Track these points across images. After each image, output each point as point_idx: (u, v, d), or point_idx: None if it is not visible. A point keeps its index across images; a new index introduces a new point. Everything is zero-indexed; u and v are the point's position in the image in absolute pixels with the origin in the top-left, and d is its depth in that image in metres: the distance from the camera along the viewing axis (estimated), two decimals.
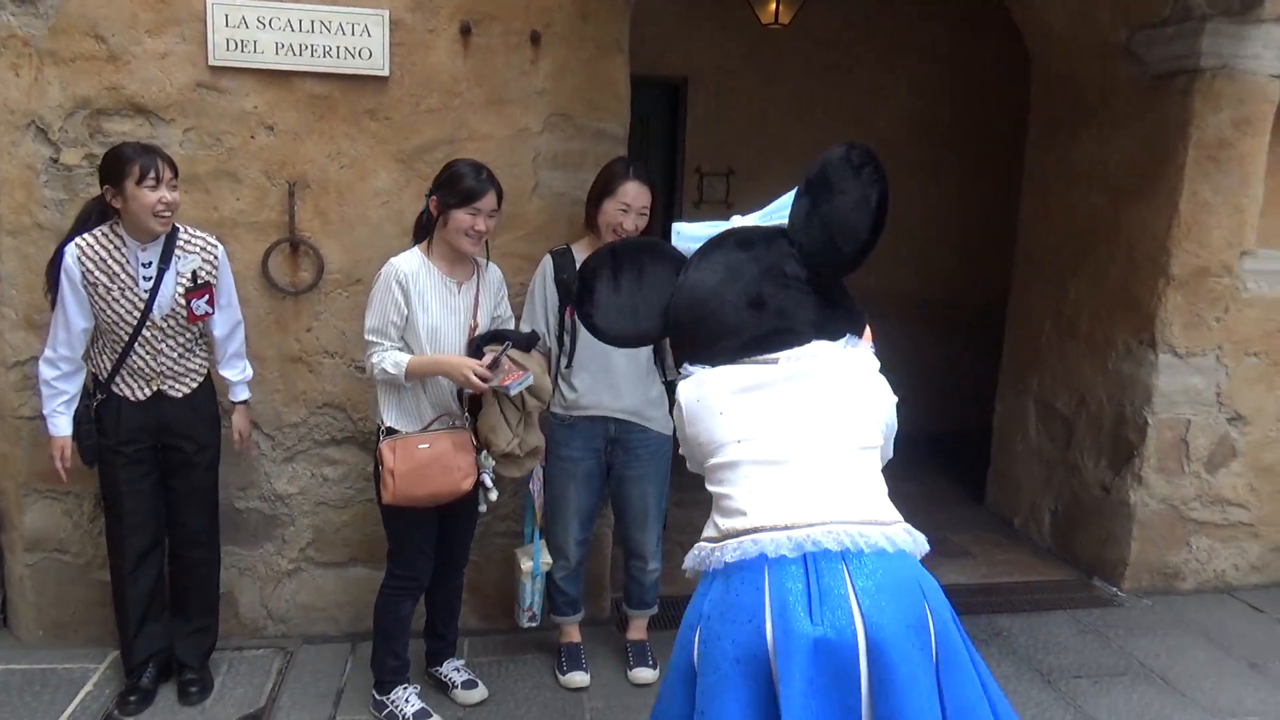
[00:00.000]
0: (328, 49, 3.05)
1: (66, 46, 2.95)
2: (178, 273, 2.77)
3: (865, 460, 1.79)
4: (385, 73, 3.09)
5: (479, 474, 2.80)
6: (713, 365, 1.86)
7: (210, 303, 2.83)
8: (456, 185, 2.69)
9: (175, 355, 2.84)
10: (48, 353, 2.77)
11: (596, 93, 3.27)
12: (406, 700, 2.89)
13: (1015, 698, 3.10)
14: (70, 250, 2.70)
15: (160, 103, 3.01)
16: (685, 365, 1.93)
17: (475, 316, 2.81)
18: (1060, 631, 3.60)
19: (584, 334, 2.85)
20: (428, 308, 2.73)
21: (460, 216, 2.67)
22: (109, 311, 2.73)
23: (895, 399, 1.88)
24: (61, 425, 2.80)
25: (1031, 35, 4.47)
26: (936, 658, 1.61)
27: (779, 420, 1.77)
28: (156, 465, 2.92)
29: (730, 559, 1.67)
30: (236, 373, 2.97)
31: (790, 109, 5.91)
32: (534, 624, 3.14)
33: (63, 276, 2.70)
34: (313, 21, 3.03)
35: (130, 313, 2.74)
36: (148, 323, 2.76)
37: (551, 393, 2.94)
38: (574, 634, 3.27)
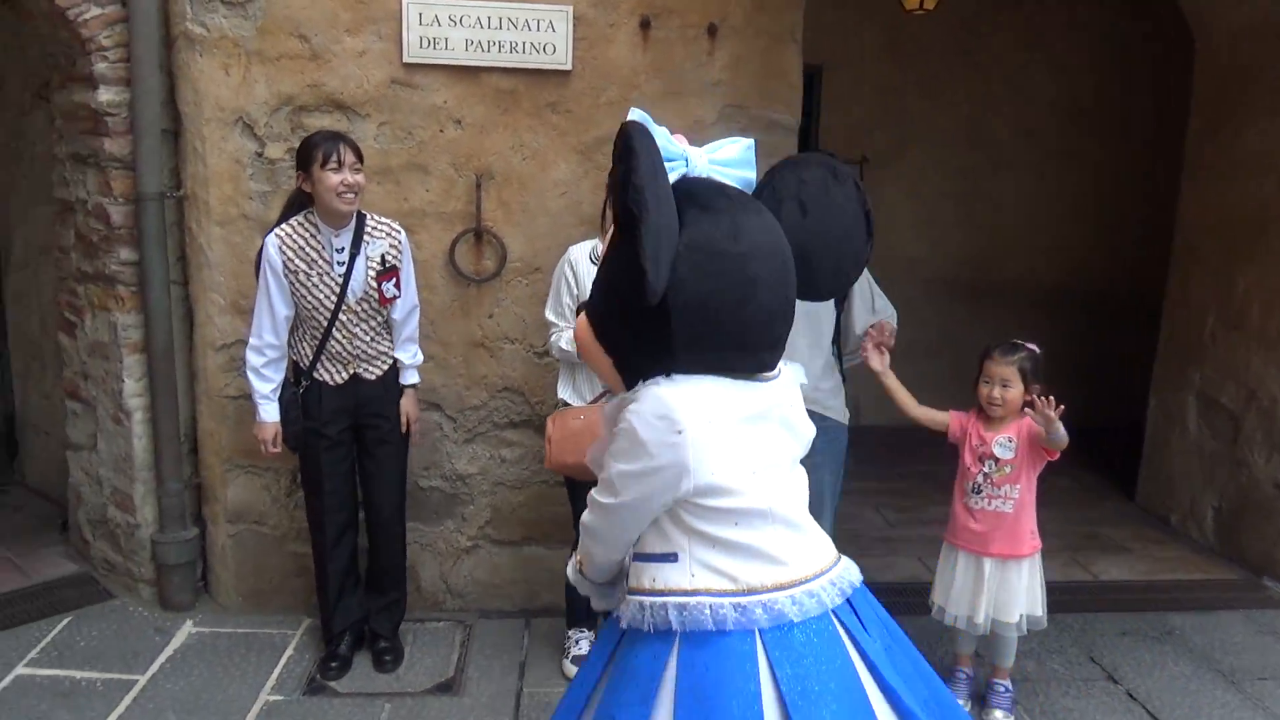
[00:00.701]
0: (514, 44, 3.14)
1: (272, 46, 3.11)
2: (367, 257, 2.89)
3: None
4: (568, 66, 3.17)
5: None
6: (703, 366, 1.43)
7: (397, 285, 2.94)
8: None
9: (368, 339, 2.96)
10: (254, 340, 2.89)
11: (770, 83, 3.30)
12: (576, 642, 3.13)
13: (1199, 697, 3.04)
14: (271, 240, 2.85)
15: (357, 99, 3.16)
16: (660, 375, 1.42)
17: None
18: (1236, 632, 3.50)
19: None
20: None
21: None
22: (309, 298, 2.86)
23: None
24: (270, 412, 2.94)
25: (1197, 21, 4.31)
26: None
27: (782, 453, 1.54)
28: (353, 447, 3.08)
29: (796, 617, 1.44)
30: (409, 356, 3.05)
31: (926, 94, 5.83)
32: None
33: (265, 265, 2.84)
34: (500, 18, 3.12)
35: (328, 297, 2.87)
36: (343, 307, 2.89)
37: None
38: None
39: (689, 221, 1.41)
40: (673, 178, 1.44)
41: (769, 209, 1.54)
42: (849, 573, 1.56)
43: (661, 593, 1.47)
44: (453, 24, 3.12)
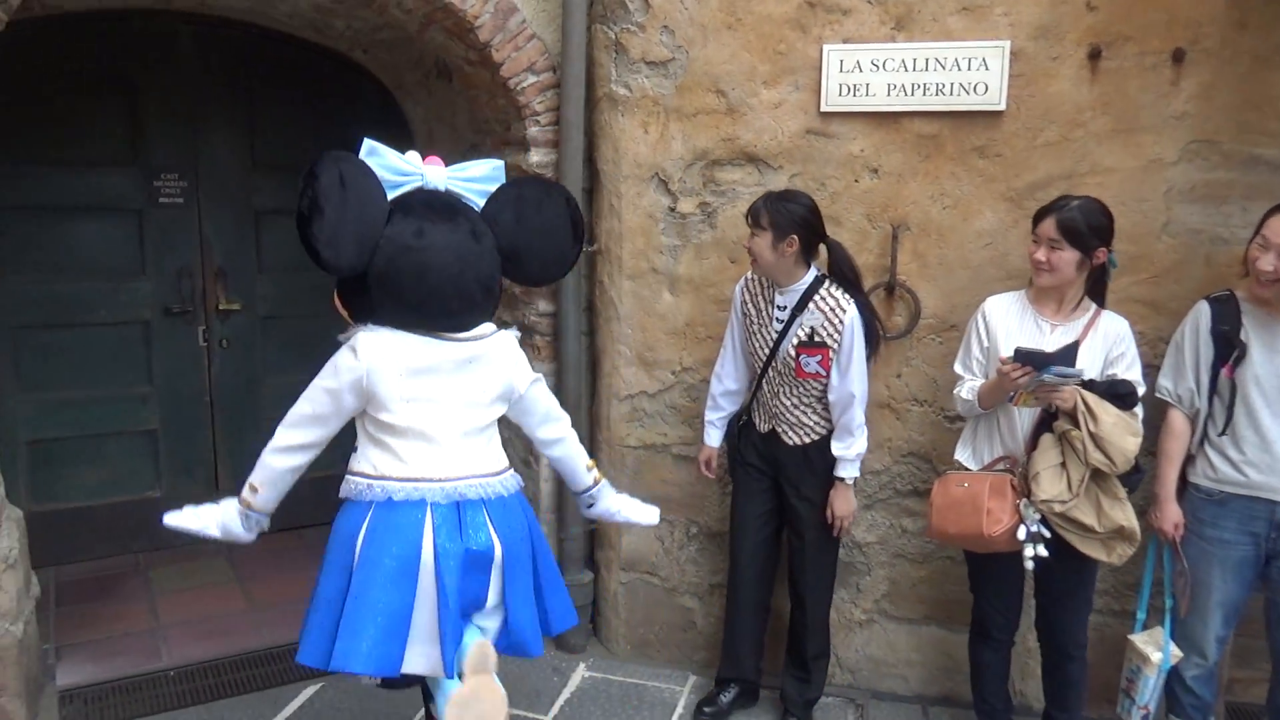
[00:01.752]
0: (940, 86, 2.93)
1: (690, 102, 3.14)
2: (799, 325, 2.81)
3: (494, 425, 2.31)
4: (1000, 106, 2.89)
5: (1020, 523, 2.50)
6: (400, 325, 2.12)
7: (823, 364, 2.79)
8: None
9: (790, 403, 2.89)
10: (717, 369, 3.05)
11: (1250, 113, 2.79)
12: None
13: None
14: (740, 282, 2.98)
15: (771, 151, 3.09)
16: (369, 323, 2.14)
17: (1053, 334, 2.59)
18: None
19: (1245, 399, 2.46)
20: (1009, 342, 2.57)
21: (1030, 247, 2.57)
22: (750, 343, 2.94)
23: (537, 376, 2.36)
24: (713, 437, 3.08)
25: None
26: (534, 551, 2.29)
27: (449, 392, 2.18)
28: (774, 499, 3.01)
29: (397, 498, 2.12)
30: (841, 446, 2.85)
31: None
32: None
33: (733, 300, 2.98)
34: (927, 59, 2.92)
35: (762, 349, 2.90)
36: (772, 363, 2.88)
37: (1133, 454, 2.46)
38: None
39: (393, 221, 2.11)
40: (407, 189, 2.16)
41: (491, 215, 2.25)
42: (478, 489, 2.18)
43: (349, 472, 2.21)
44: (875, 69, 2.96)
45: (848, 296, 2.78)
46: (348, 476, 2.20)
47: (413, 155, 2.20)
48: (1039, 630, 2.76)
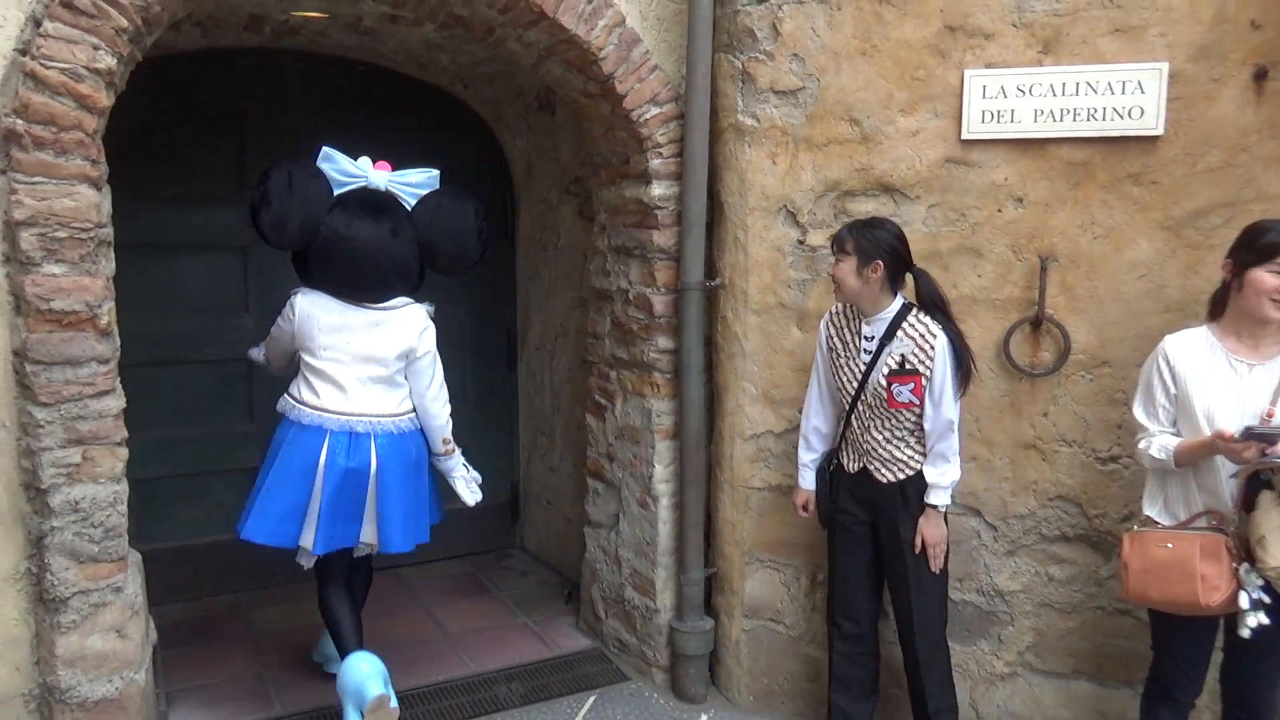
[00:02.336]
0: (1092, 111, 2.79)
1: (821, 132, 3.04)
2: (889, 353, 2.71)
3: (396, 378, 2.97)
4: (1157, 131, 2.75)
5: (1240, 590, 2.30)
6: (328, 291, 2.91)
7: (916, 393, 2.69)
8: (1257, 241, 2.32)
9: (881, 438, 2.77)
10: (805, 408, 2.97)
11: None
12: None
13: None
14: (825, 316, 2.90)
15: (907, 181, 2.98)
16: (304, 286, 2.96)
17: (1278, 403, 2.34)
18: None
19: None
20: (1203, 388, 2.37)
21: (1260, 277, 2.30)
22: (837, 378, 2.84)
23: (431, 347, 3.02)
24: (806, 479, 2.98)
25: None
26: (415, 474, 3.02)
27: (356, 347, 2.90)
28: (873, 544, 2.87)
29: (305, 421, 2.89)
30: (935, 472, 2.73)
31: None
32: None
33: (819, 337, 2.91)
34: (1077, 84, 2.79)
35: (850, 382, 2.79)
36: (861, 396, 2.77)
37: None
38: None
39: (333, 213, 2.84)
40: (353, 188, 2.89)
41: (416, 215, 2.95)
42: (368, 424, 2.91)
43: (286, 392, 2.99)
44: (1020, 94, 2.84)
45: (936, 323, 2.69)
46: (284, 395, 3.01)
47: (364, 160, 2.91)
48: (1225, 686, 2.55)
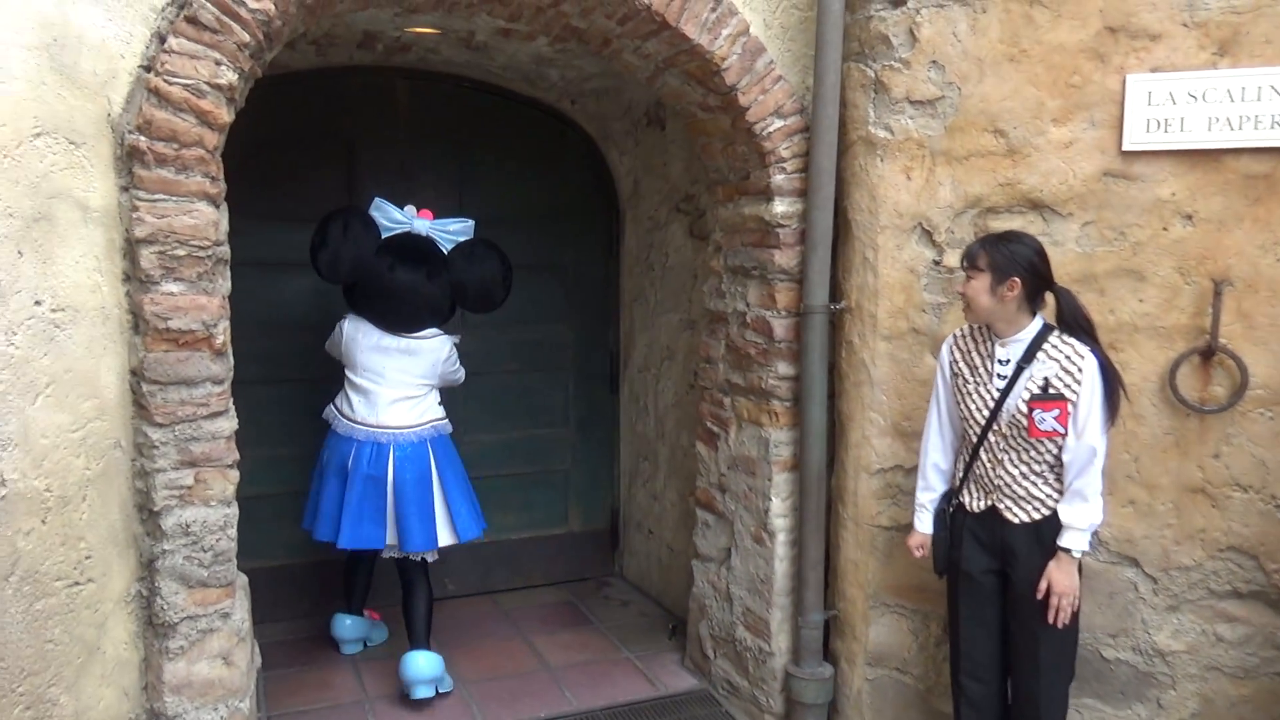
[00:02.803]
0: (1275, 118, 2.51)
1: (961, 144, 2.82)
2: (1030, 376, 2.46)
3: (421, 392, 3.43)
4: None
5: None
6: (370, 320, 3.39)
7: (1060, 420, 2.43)
8: None
9: (1015, 472, 2.52)
10: (924, 443, 2.74)
11: None
12: None
13: None
14: (947, 340, 2.66)
15: (1058, 196, 2.73)
16: (354, 313, 3.45)
17: None
18: None
19: None
20: None
21: None
22: (964, 407, 2.60)
23: (458, 369, 3.56)
24: (923, 521, 2.74)
25: None
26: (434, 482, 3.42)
27: (390, 368, 3.38)
28: (1001, 595, 2.61)
29: (340, 431, 3.39)
30: (1073, 512, 2.46)
31: None
32: None
33: (938, 363, 2.68)
34: (1259, 88, 2.51)
35: (980, 411, 2.55)
36: (993, 427, 2.53)
37: None
38: None
39: (379, 255, 3.33)
40: (399, 232, 3.39)
41: (451, 259, 3.43)
42: (389, 436, 3.35)
43: (332, 402, 3.51)
44: (1192, 100, 2.57)
45: (1082, 344, 2.44)
46: (329, 405, 3.49)
47: (409, 209, 3.41)
48: None
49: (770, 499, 3.19)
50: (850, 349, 3.05)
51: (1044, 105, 2.72)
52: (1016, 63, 2.73)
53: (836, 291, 3.08)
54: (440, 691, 3.44)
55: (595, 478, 4.62)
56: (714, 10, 2.86)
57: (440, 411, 3.48)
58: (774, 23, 3.03)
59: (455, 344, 3.50)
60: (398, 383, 3.37)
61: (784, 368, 3.14)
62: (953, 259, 2.87)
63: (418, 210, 3.42)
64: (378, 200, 3.37)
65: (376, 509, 3.32)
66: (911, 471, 2.99)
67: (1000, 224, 2.80)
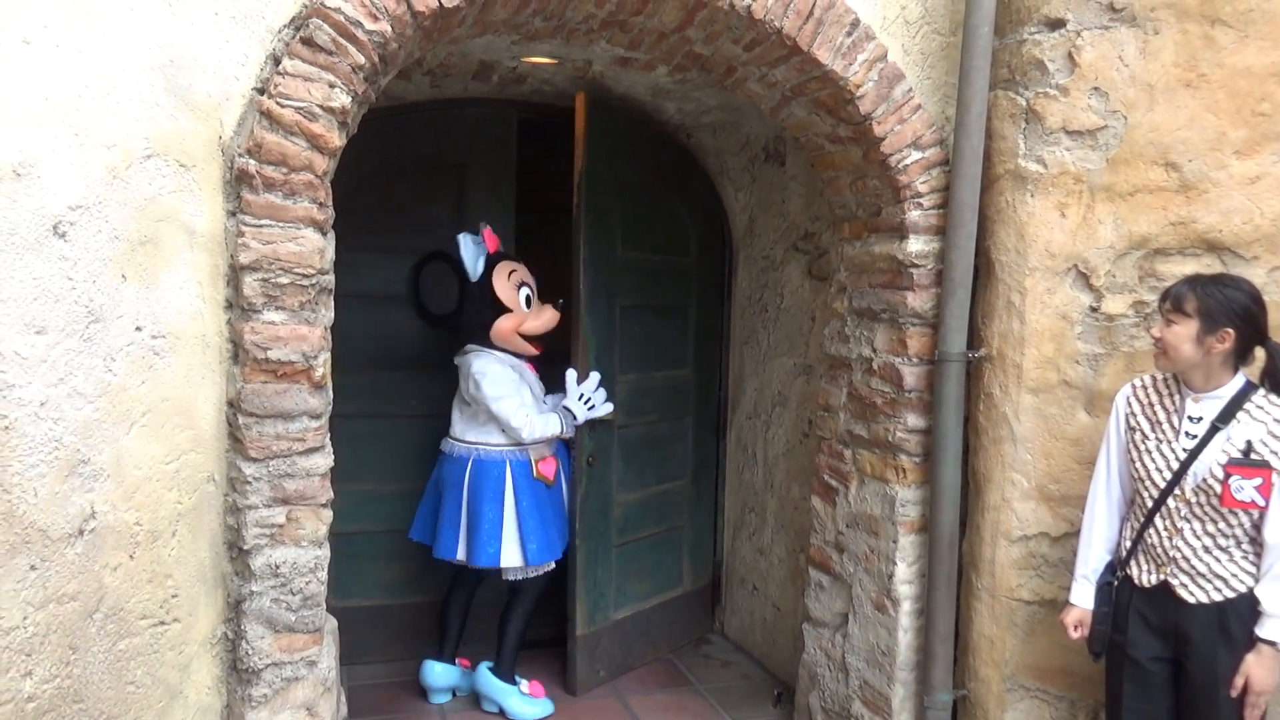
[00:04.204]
0: None
1: (1126, 179, 2.53)
2: (1229, 437, 2.14)
3: (478, 413, 3.47)
4: None
5: None
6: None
7: (1263, 490, 2.10)
8: None
9: (1197, 545, 2.20)
10: (1089, 506, 2.46)
11: None
12: None
13: None
14: (1124, 389, 2.38)
15: (1243, 237, 2.42)
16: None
17: None
18: None
19: None
20: None
21: None
22: (1139, 465, 2.30)
23: (485, 397, 3.41)
24: (1082, 594, 2.45)
25: None
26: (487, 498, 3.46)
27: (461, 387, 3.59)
28: (1172, 686, 2.27)
29: (453, 453, 3.54)
30: (1272, 600, 2.14)
31: None
32: None
33: (1112, 411, 2.38)
34: None
35: (1160, 471, 2.24)
36: (1175, 490, 2.21)
37: None
38: None
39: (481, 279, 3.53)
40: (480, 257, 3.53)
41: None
42: (461, 450, 3.52)
43: None
44: None
45: None
46: None
47: (482, 233, 3.55)
48: None
49: (895, 563, 2.91)
50: (990, 401, 2.77)
51: (1225, 136, 2.42)
52: (1194, 89, 2.44)
53: (975, 338, 2.81)
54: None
55: (698, 529, 4.38)
56: (849, 35, 2.66)
57: (499, 438, 3.46)
58: (913, 48, 2.81)
59: (482, 360, 3.46)
60: (459, 400, 3.57)
61: (914, 420, 2.87)
62: (1113, 305, 2.57)
63: (482, 229, 3.54)
64: (464, 235, 3.51)
65: (449, 517, 3.49)
66: (1058, 541, 2.68)
67: (1171, 268, 2.51)
